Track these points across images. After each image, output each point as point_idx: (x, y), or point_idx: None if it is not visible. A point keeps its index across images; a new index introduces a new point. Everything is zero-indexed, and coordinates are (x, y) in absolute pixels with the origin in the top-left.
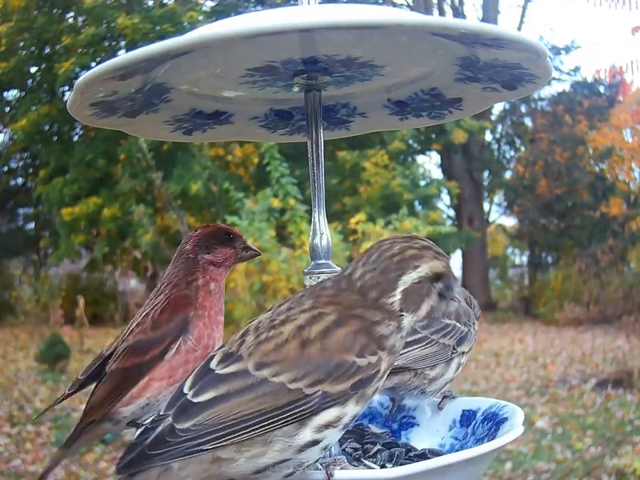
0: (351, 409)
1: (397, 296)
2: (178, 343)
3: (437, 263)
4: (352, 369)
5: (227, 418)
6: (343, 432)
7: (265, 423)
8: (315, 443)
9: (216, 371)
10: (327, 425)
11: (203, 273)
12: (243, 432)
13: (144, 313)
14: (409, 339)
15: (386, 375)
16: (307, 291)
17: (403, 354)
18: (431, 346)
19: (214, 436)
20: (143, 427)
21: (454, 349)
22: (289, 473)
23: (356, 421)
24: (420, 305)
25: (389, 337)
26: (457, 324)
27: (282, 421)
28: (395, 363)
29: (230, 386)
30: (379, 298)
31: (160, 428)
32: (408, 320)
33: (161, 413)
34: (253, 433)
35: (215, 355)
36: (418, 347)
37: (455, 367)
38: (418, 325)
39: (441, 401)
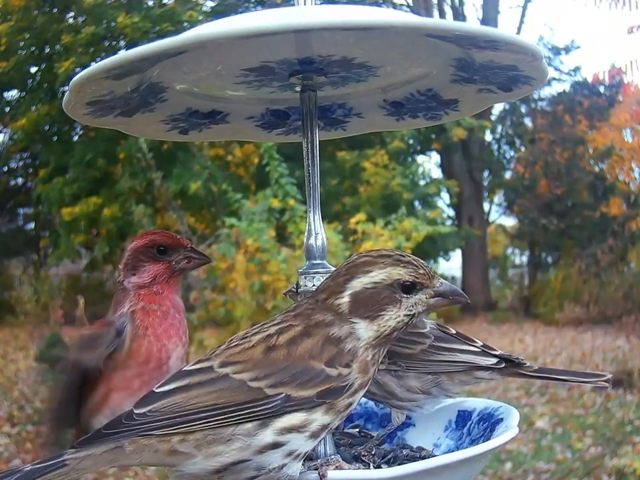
0: (320, 418)
1: (345, 298)
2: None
3: (398, 270)
4: (320, 377)
5: (183, 407)
6: (315, 440)
7: (220, 417)
8: (276, 445)
9: (183, 368)
10: (291, 429)
11: (133, 299)
12: (196, 422)
13: None
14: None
15: (361, 392)
16: (288, 307)
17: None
18: None
19: (166, 422)
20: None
21: None
22: (252, 476)
23: (351, 421)
24: (377, 312)
25: (345, 340)
26: None
27: (237, 418)
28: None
29: (192, 379)
30: (327, 299)
31: (120, 414)
32: (364, 328)
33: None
34: (206, 425)
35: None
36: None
37: None
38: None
39: None
